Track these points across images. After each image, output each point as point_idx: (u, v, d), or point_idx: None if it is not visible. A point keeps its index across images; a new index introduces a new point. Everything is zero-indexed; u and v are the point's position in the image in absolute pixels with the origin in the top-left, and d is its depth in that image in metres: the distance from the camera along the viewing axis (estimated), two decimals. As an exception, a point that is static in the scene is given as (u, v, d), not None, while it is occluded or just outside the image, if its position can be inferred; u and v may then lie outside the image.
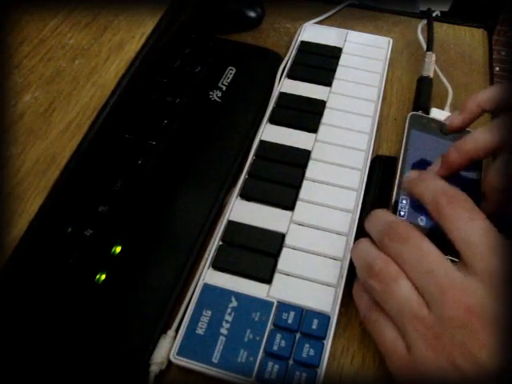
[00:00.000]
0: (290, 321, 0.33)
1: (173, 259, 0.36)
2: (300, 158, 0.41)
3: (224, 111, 0.46)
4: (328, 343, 0.32)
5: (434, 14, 0.54)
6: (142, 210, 0.38)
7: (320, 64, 0.49)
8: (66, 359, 0.32)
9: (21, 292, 0.34)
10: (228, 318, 0.33)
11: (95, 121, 0.44)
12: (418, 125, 0.42)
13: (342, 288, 0.34)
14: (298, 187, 0.39)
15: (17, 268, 0.35)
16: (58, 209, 0.38)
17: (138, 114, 0.45)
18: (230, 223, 0.37)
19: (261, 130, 0.43)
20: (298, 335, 0.32)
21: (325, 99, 0.46)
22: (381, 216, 0.32)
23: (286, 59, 0.50)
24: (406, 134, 0.41)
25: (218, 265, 0.35)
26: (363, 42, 0.51)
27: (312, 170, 0.40)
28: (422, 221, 0.35)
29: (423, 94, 0.46)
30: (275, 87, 0.47)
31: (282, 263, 0.35)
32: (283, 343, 0.32)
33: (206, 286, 0.34)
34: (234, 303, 0.33)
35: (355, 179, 0.40)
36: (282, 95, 0.46)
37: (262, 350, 0.31)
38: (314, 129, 0.43)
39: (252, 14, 0.55)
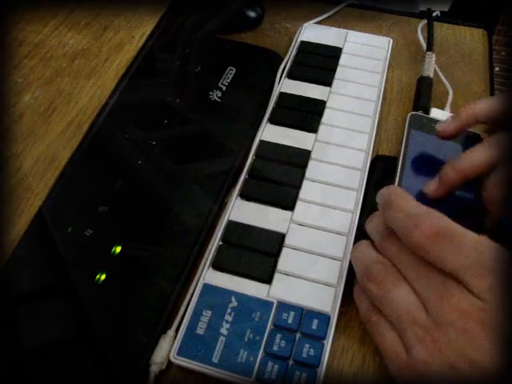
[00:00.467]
0: (289, 321, 0.33)
1: (173, 259, 0.36)
2: (300, 158, 0.41)
3: (224, 111, 0.46)
4: (328, 343, 0.32)
5: (434, 14, 0.54)
6: (142, 210, 0.38)
7: (320, 64, 0.49)
8: (66, 359, 0.32)
9: (21, 292, 0.34)
10: (228, 317, 0.33)
11: (95, 121, 0.44)
12: (418, 125, 0.42)
13: (342, 288, 0.34)
14: (297, 187, 0.39)
15: (17, 268, 0.35)
16: (58, 209, 0.38)
17: (137, 114, 0.45)
18: (230, 223, 0.37)
19: (261, 129, 0.43)
20: (298, 335, 0.32)
21: (325, 99, 0.46)
22: (381, 218, 0.32)
23: (286, 59, 0.50)
24: (405, 134, 0.41)
25: (217, 265, 0.35)
26: (363, 41, 0.51)
27: (312, 169, 0.40)
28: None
29: (423, 94, 0.46)
30: (275, 87, 0.47)
31: (282, 263, 0.35)
32: (283, 343, 0.32)
33: (206, 286, 0.34)
34: (234, 303, 0.33)
35: (355, 179, 0.40)
36: (282, 95, 0.46)
37: (261, 350, 0.31)
38: (314, 129, 0.43)
39: (252, 14, 0.55)
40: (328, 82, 0.47)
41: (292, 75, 0.48)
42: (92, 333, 0.32)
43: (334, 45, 0.51)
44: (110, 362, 0.31)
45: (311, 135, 0.43)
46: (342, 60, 0.49)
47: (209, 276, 0.35)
